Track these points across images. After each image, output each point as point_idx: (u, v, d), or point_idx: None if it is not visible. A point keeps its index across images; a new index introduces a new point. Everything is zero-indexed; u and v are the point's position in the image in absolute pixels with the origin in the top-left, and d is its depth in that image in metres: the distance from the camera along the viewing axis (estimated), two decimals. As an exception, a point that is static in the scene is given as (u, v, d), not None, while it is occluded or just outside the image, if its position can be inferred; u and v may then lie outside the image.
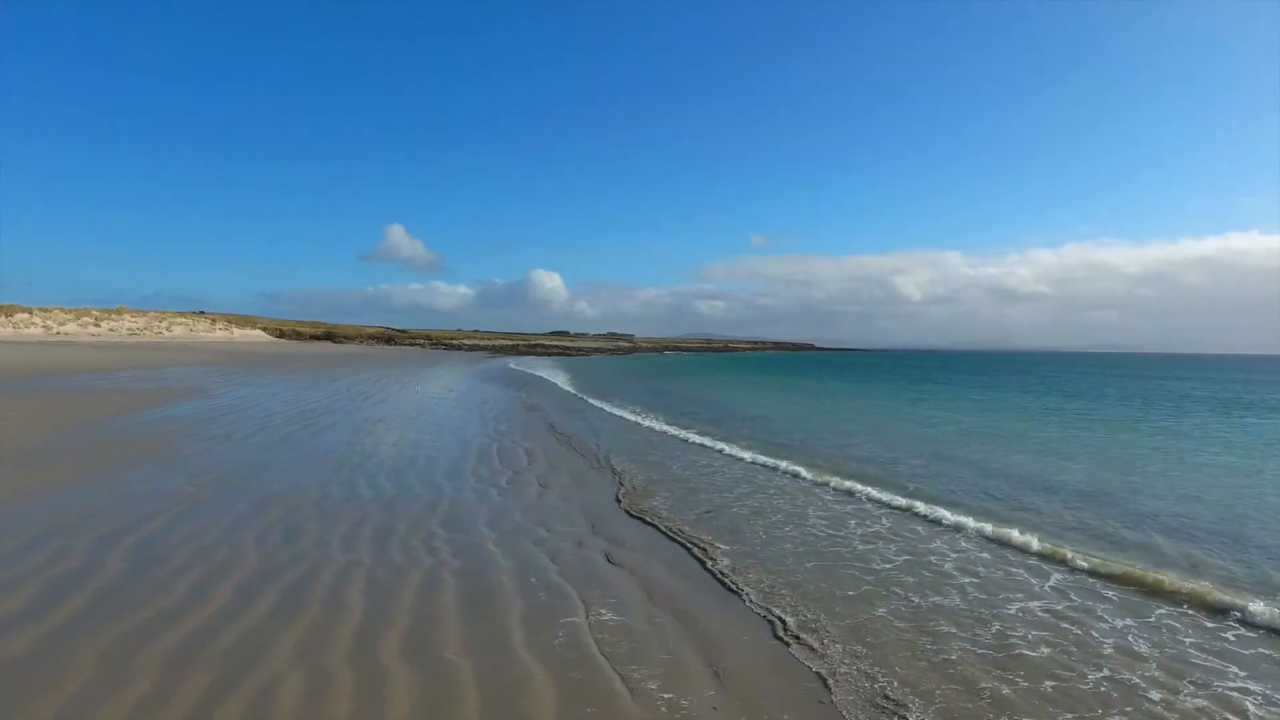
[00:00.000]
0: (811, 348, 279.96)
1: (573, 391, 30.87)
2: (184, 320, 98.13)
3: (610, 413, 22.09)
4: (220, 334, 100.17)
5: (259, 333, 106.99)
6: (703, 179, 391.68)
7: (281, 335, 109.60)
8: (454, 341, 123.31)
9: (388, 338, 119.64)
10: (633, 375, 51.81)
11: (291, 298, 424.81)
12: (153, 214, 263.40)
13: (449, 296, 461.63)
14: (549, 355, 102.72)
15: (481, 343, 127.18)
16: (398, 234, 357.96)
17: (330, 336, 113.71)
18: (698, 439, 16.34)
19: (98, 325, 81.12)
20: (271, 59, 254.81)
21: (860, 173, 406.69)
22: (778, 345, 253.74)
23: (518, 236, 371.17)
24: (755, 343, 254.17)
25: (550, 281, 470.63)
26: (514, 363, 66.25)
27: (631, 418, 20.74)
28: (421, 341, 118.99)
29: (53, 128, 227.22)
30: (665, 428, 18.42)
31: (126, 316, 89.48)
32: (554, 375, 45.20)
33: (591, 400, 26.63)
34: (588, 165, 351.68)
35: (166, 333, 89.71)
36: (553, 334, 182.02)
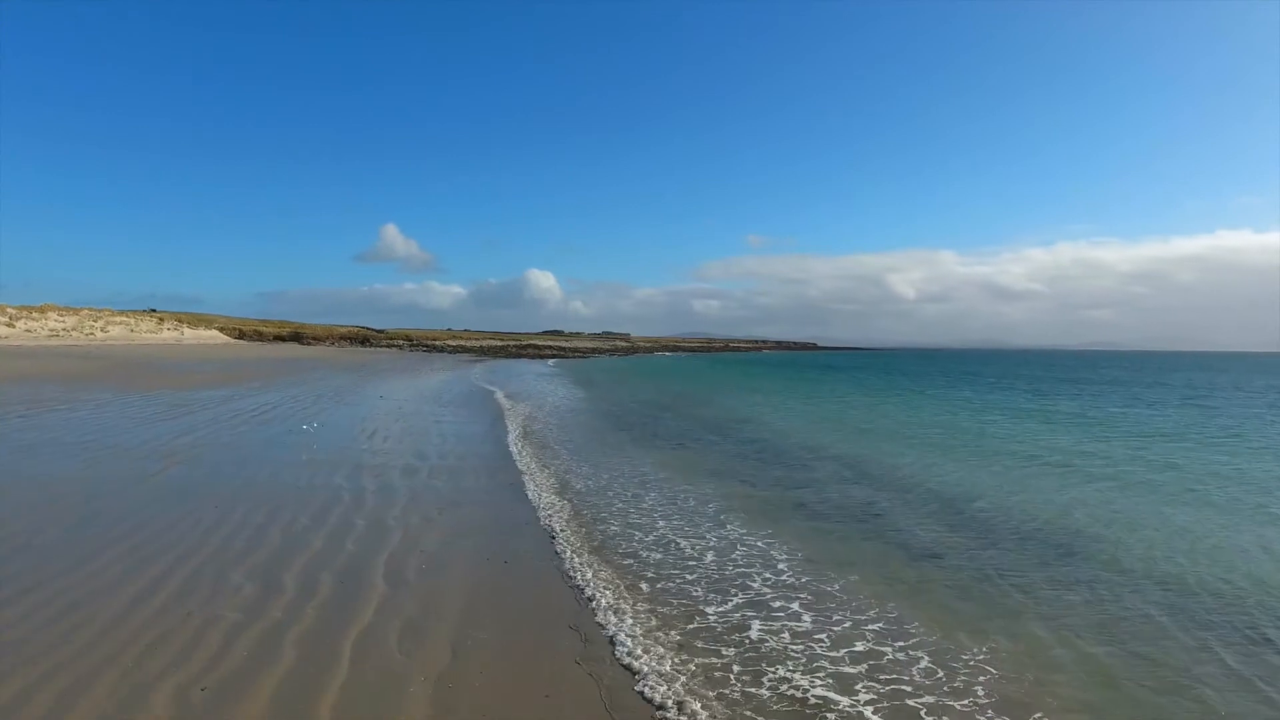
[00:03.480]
0: (814, 346, 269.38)
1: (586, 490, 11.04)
2: (124, 319, 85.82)
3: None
4: (168, 334, 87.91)
5: (215, 333, 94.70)
6: (699, 179, 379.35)
7: (241, 336, 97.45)
8: (436, 342, 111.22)
9: (363, 338, 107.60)
10: (666, 392, 40.33)
11: (290, 298, 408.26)
12: (153, 215, 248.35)
13: (443, 296, 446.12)
14: (542, 358, 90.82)
15: (468, 343, 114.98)
16: (392, 234, 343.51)
17: (297, 337, 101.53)
18: None
19: (11, 325, 68.76)
20: (269, 57, 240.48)
21: (854, 172, 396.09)
22: (779, 344, 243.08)
23: (511, 236, 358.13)
24: (756, 342, 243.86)
25: (545, 281, 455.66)
26: (504, 368, 54.64)
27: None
28: (400, 342, 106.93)
29: (50, 126, 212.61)
30: None
31: (51, 315, 77.13)
32: (555, 387, 33.75)
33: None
34: (583, 165, 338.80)
35: (100, 334, 77.31)
36: (546, 334, 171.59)
